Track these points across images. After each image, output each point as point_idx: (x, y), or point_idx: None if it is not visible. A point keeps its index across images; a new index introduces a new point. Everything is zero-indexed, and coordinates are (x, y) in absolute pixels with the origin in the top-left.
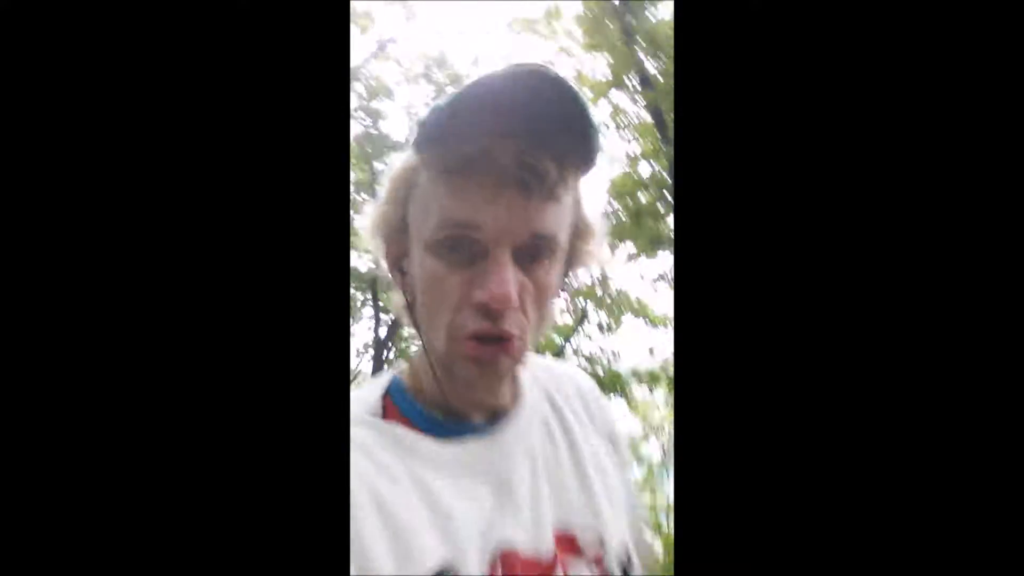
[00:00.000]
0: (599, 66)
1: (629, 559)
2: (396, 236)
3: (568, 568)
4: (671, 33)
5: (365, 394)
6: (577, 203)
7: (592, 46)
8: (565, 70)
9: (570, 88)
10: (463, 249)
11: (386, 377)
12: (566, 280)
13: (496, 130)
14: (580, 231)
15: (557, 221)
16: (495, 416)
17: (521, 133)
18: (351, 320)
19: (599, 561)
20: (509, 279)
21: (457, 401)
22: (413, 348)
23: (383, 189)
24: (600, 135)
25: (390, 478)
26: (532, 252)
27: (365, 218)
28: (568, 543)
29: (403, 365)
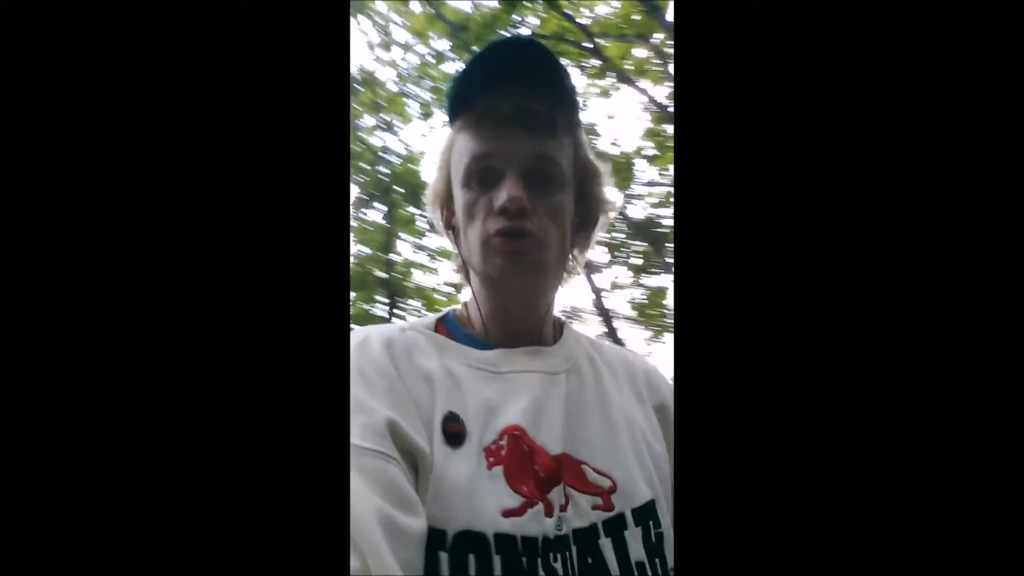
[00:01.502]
0: None
1: (652, 517)
2: (447, 201)
3: (568, 493)
4: None
5: (423, 318)
6: (579, 145)
7: None
8: None
9: (546, 49)
10: (485, 178)
11: (444, 312)
12: (584, 227)
13: (498, 88)
14: (586, 171)
15: (556, 149)
16: (533, 343)
17: (515, 88)
18: None
19: (605, 497)
20: (519, 188)
21: (498, 327)
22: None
23: (437, 165)
24: (574, 89)
25: (425, 357)
26: (539, 176)
27: (429, 192)
28: (574, 469)
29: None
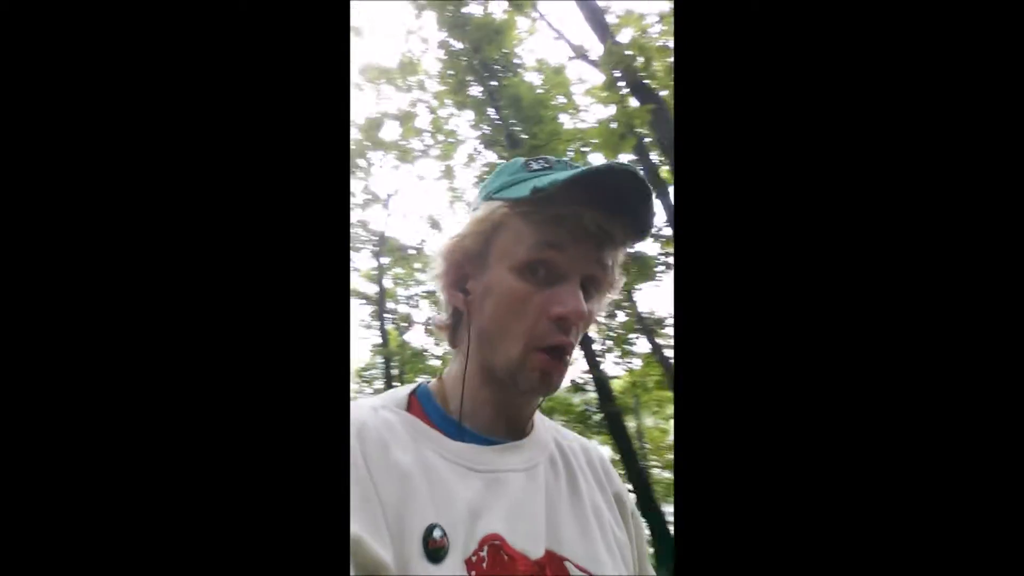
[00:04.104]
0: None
1: None
2: (468, 263)
3: None
4: (535, 96)
5: (394, 392)
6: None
7: (459, 103)
8: (422, 120)
9: (648, 189)
10: (545, 272)
11: (416, 383)
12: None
13: (586, 202)
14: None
15: (611, 269)
16: (509, 437)
17: (604, 207)
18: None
19: None
20: (581, 299)
21: (483, 417)
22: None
23: (466, 225)
24: (653, 224)
25: (401, 449)
26: (591, 286)
27: (438, 246)
28: (558, 566)
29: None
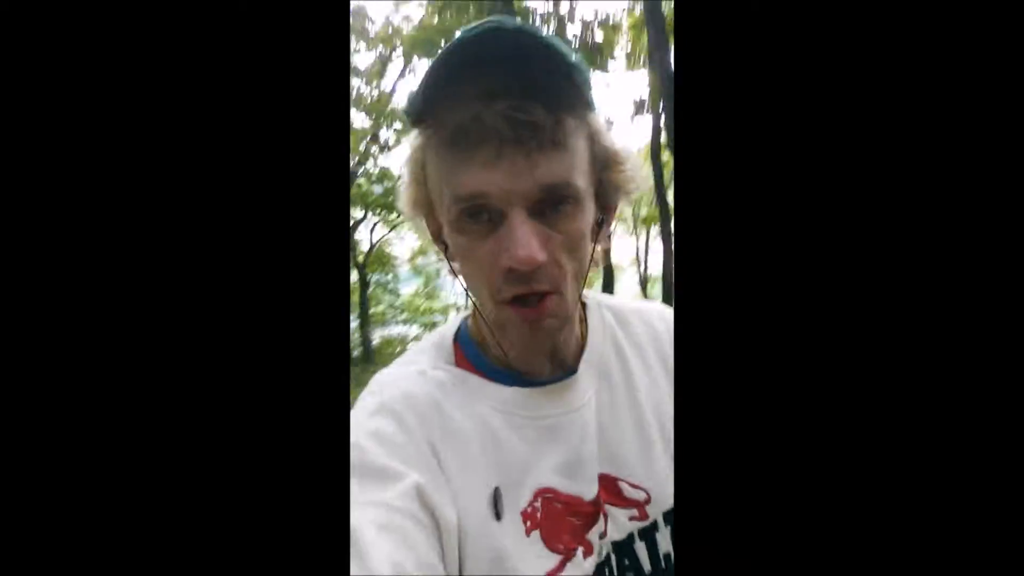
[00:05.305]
0: None
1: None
2: (430, 211)
3: (607, 511)
4: None
5: (437, 340)
6: (592, 137)
7: None
8: None
9: (536, 34)
10: (480, 219)
11: (454, 324)
12: (604, 219)
13: (480, 93)
14: (608, 162)
15: (567, 166)
16: (558, 369)
17: (504, 90)
18: None
19: (641, 509)
20: (529, 239)
21: (515, 360)
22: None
23: (404, 170)
24: (583, 71)
25: (458, 411)
26: (550, 203)
27: (402, 200)
28: (611, 486)
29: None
